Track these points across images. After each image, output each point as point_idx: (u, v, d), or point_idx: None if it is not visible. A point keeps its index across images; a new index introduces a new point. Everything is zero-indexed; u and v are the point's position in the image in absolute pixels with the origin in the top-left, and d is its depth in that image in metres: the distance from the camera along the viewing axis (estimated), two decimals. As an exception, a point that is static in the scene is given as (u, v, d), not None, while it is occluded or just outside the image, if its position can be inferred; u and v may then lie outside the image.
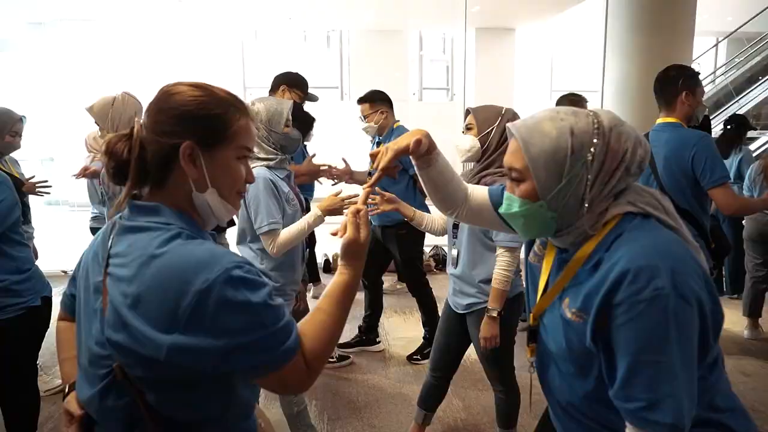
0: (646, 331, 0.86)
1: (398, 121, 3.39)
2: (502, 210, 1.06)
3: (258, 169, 1.99)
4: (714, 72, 9.83)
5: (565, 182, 0.95)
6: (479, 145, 2.00)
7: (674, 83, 2.38)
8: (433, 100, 10.64)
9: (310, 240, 4.36)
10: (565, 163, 0.94)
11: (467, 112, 2.09)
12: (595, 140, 0.94)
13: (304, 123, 4.02)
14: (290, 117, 2.09)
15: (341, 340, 3.54)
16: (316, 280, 4.65)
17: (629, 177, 0.98)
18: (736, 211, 2.38)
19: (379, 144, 3.45)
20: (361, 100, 3.33)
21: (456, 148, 2.06)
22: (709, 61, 10.21)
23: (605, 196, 0.96)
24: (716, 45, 10.14)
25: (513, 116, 2.04)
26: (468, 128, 2.06)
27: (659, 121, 2.46)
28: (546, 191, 0.96)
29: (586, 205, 0.95)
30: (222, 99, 0.93)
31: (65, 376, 1.05)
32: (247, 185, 0.98)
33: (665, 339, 0.85)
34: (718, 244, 2.50)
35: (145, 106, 0.98)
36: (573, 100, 3.51)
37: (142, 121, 0.93)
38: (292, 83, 3.20)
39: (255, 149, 2.05)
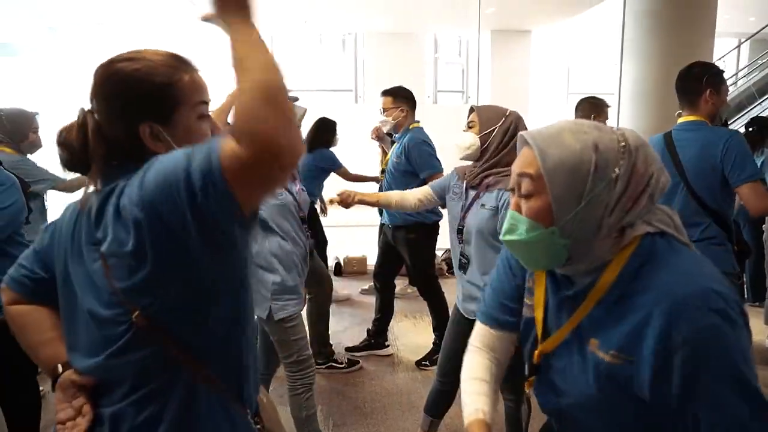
0: (719, 365, 0.76)
1: (418, 121, 3.34)
2: (502, 234, 0.92)
3: None
4: (736, 74, 9.63)
5: (584, 204, 0.82)
6: (479, 144, 1.97)
7: (698, 81, 2.29)
8: (447, 103, 10.59)
9: (321, 242, 4.36)
10: (586, 181, 0.81)
11: (471, 110, 2.06)
12: (621, 160, 0.83)
13: (327, 131, 4.03)
14: (299, 121, 2.10)
15: (349, 343, 3.52)
16: None
17: (651, 205, 0.87)
18: (765, 211, 2.26)
19: (392, 143, 3.40)
20: (384, 93, 3.31)
21: (455, 145, 2.03)
22: (731, 62, 10.00)
23: (625, 223, 0.85)
24: (738, 46, 9.93)
25: (517, 119, 2.01)
26: (470, 126, 2.02)
27: (682, 119, 2.37)
28: (562, 213, 0.83)
29: (604, 231, 0.84)
30: (161, 64, 0.90)
31: (54, 358, 0.96)
32: None
33: (747, 371, 0.76)
34: (739, 248, 2.42)
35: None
36: (594, 103, 3.39)
37: (90, 107, 0.91)
38: None
39: None
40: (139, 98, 0.88)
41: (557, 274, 0.95)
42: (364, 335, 3.55)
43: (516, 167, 0.90)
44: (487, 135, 1.97)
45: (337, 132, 4.10)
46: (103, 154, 0.89)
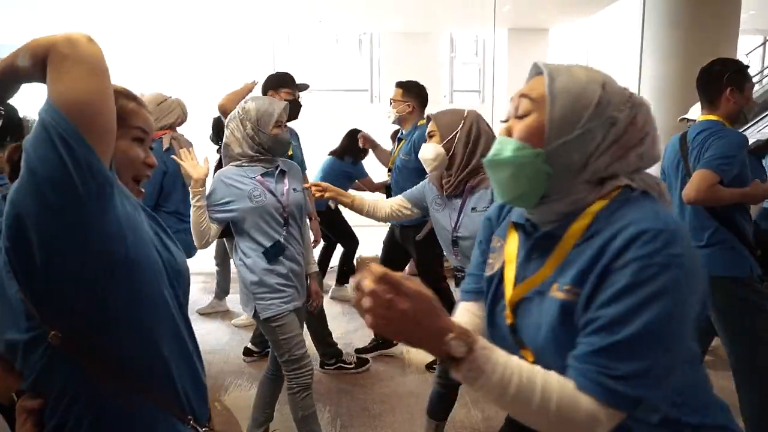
0: (652, 299, 0.74)
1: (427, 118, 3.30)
2: (488, 157, 0.89)
3: (222, 170, 2.06)
4: (761, 71, 9.38)
5: (576, 134, 0.82)
6: (444, 152, 1.94)
7: (718, 78, 2.19)
8: (464, 103, 10.50)
9: (350, 242, 4.37)
10: (584, 112, 0.82)
11: (428, 119, 2.02)
12: (623, 106, 0.84)
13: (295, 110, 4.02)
14: (283, 119, 2.07)
15: (360, 344, 3.47)
16: (341, 281, 4.60)
17: (640, 163, 0.86)
18: (691, 199, 2.07)
19: (400, 141, 3.35)
20: (398, 84, 3.29)
21: (421, 159, 2.01)
22: (756, 60, 9.74)
23: (610, 172, 0.84)
24: (764, 43, 9.67)
25: (477, 117, 1.99)
26: (430, 136, 1.99)
27: (700, 118, 2.28)
28: (553, 135, 0.82)
29: (589, 172, 0.83)
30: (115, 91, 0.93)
31: (6, 391, 0.98)
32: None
33: (669, 311, 0.75)
34: (764, 251, 2.32)
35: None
36: None
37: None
38: (275, 85, 3.11)
39: (235, 146, 2.04)
40: None
41: (526, 225, 0.93)
42: (372, 336, 3.50)
43: (520, 91, 0.89)
44: (450, 141, 1.94)
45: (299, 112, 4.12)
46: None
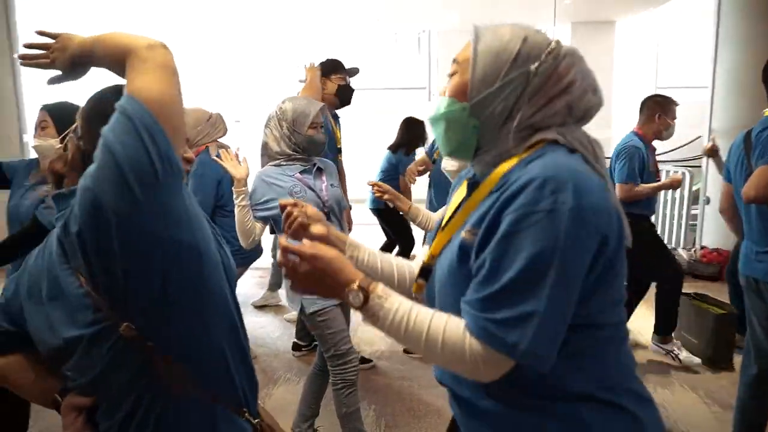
0: (533, 245, 0.77)
1: None
2: (428, 116, 0.98)
3: (262, 170, 2.11)
4: None
5: (496, 87, 0.88)
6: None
7: None
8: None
9: (406, 241, 4.41)
10: (504, 66, 0.87)
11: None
12: (543, 56, 0.87)
13: (414, 131, 4.22)
14: (319, 120, 2.11)
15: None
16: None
17: (569, 118, 0.89)
18: (760, 198, 1.94)
19: None
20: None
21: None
22: None
23: (535, 122, 0.88)
24: None
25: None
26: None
27: (765, 114, 2.11)
28: (475, 90, 0.89)
29: (514, 123, 0.87)
30: None
31: (48, 392, 0.99)
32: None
33: (549, 258, 0.77)
34: None
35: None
36: (658, 101, 3.20)
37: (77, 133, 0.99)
38: (327, 71, 3.16)
39: (273, 145, 2.10)
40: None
41: (470, 178, 0.99)
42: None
43: (455, 56, 0.96)
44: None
45: (424, 132, 4.28)
46: (79, 172, 0.92)
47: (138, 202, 0.82)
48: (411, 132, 4.33)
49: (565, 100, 0.88)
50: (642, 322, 3.71)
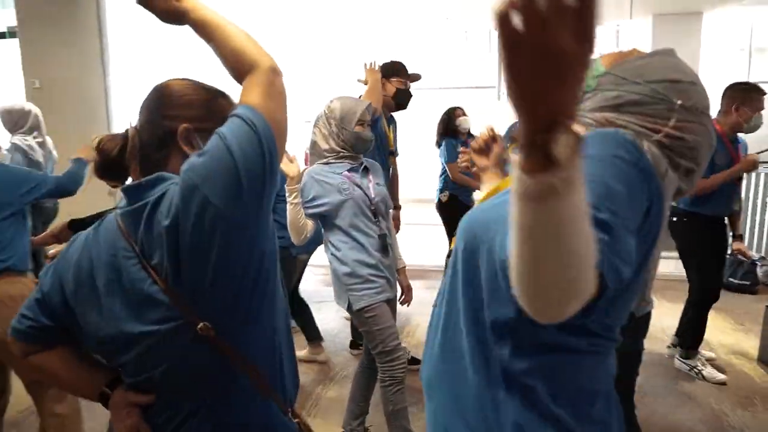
0: None
1: None
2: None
3: (311, 168, 2.14)
4: None
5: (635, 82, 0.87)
6: None
7: None
8: (600, 98, 9.78)
9: None
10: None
11: None
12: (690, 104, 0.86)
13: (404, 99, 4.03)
14: (366, 118, 2.13)
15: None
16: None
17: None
18: None
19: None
20: None
21: None
22: None
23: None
24: None
25: None
26: None
27: None
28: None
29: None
30: (209, 87, 1.01)
31: (97, 386, 1.00)
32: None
33: None
34: None
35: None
36: (741, 89, 2.98)
37: (136, 123, 1.00)
38: (387, 74, 3.11)
39: (322, 143, 2.13)
40: (187, 103, 0.97)
41: None
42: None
43: None
44: None
45: (460, 120, 4.22)
46: (140, 162, 0.96)
47: (244, 205, 0.84)
48: (446, 124, 4.31)
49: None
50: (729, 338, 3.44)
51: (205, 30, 0.96)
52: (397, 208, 3.44)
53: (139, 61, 6.27)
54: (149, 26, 6.47)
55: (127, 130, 0.99)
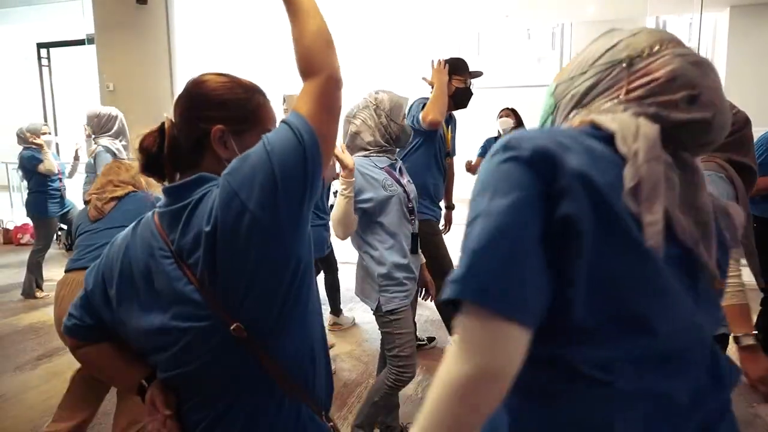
0: None
1: None
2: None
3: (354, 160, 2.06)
4: None
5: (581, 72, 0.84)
6: None
7: None
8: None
9: None
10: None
11: None
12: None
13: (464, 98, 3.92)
14: (407, 112, 2.16)
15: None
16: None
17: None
18: None
19: None
20: None
21: None
22: None
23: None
24: None
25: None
26: None
27: None
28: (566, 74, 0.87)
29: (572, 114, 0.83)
30: (246, 85, 0.98)
31: (134, 379, 1.02)
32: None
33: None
34: None
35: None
36: None
37: (170, 116, 0.99)
38: (448, 72, 3.02)
39: (366, 135, 2.09)
40: (222, 103, 0.95)
41: None
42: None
43: None
44: None
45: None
46: (173, 159, 0.96)
47: (280, 213, 0.84)
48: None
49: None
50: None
51: (291, 8, 0.93)
52: (450, 207, 3.39)
53: (204, 64, 6.53)
54: (214, 30, 6.73)
55: (162, 123, 1.00)
